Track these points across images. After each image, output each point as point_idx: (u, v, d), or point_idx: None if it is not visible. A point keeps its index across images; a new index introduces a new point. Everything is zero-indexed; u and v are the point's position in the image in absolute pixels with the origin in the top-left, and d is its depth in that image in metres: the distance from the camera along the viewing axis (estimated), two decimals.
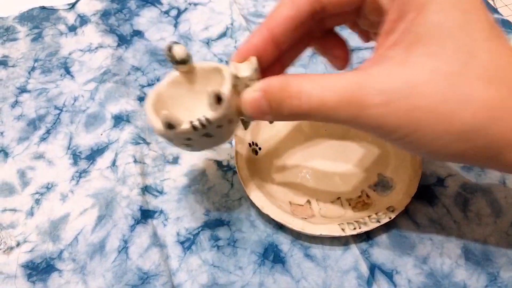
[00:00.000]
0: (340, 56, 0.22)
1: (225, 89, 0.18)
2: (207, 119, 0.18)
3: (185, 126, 0.18)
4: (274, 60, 0.20)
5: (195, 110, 0.21)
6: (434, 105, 0.16)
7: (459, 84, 0.15)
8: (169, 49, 0.19)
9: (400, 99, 0.16)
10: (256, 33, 0.19)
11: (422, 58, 0.16)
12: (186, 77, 0.21)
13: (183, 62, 0.20)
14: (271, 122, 0.27)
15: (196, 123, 0.18)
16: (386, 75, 0.16)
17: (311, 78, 0.17)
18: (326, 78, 0.17)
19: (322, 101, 0.17)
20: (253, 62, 0.19)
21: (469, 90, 0.15)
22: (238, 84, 0.19)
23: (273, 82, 0.18)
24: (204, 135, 0.19)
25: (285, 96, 0.17)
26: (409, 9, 0.16)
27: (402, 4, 0.17)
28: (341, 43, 0.22)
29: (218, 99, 0.18)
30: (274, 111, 0.18)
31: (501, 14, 0.36)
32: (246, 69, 0.18)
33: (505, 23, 0.35)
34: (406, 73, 0.16)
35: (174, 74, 0.21)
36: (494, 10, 0.36)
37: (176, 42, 0.21)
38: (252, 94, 0.18)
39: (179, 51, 0.19)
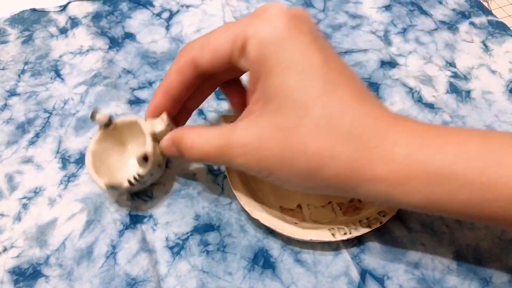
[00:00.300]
0: (236, 103, 0.25)
1: (148, 148, 0.23)
2: (139, 175, 0.23)
3: (125, 184, 0.23)
4: (180, 109, 0.24)
5: (122, 157, 0.26)
6: (276, 155, 0.19)
7: (294, 137, 0.19)
8: (92, 116, 0.24)
9: (253, 151, 0.20)
10: (157, 95, 0.23)
11: (269, 115, 0.19)
12: (110, 132, 0.25)
13: (107, 125, 0.24)
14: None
15: (132, 180, 0.23)
16: (245, 130, 0.20)
17: (199, 132, 0.22)
18: (208, 132, 0.21)
19: (206, 153, 0.21)
20: (164, 118, 0.23)
21: (303, 142, 0.19)
22: (157, 135, 0.23)
23: (175, 135, 0.22)
24: (141, 183, 0.24)
25: (183, 147, 0.22)
26: (261, 73, 0.20)
27: (257, 71, 0.20)
28: (240, 91, 0.25)
29: (145, 158, 0.23)
30: (182, 156, 0.22)
31: (495, 16, 0.36)
32: (160, 124, 0.23)
33: (499, 25, 0.35)
34: (258, 130, 0.20)
35: (99, 132, 0.25)
36: (488, 12, 0.36)
37: (97, 110, 0.24)
38: (165, 143, 0.23)
39: (101, 118, 0.24)
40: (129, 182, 0.23)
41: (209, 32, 0.22)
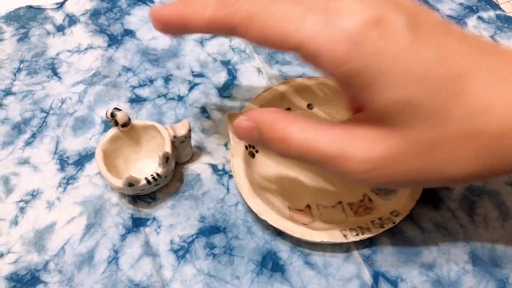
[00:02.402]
0: (351, 107, 0.23)
1: (168, 149, 0.24)
2: (158, 174, 0.23)
3: (143, 182, 0.23)
4: None
5: (129, 159, 0.26)
6: (416, 168, 0.17)
7: (438, 147, 0.16)
8: (112, 115, 0.24)
9: (381, 169, 0.17)
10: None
11: (398, 128, 0.17)
12: (124, 133, 0.25)
13: (125, 125, 0.24)
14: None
15: (150, 178, 0.23)
16: (368, 141, 0.17)
17: (299, 125, 0.18)
18: (314, 129, 0.18)
19: (306, 154, 0.18)
20: (186, 124, 0.24)
21: (450, 149, 0.16)
22: (176, 140, 0.24)
23: (265, 117, 0.19)
24: (154, 185, 0.24)
25: (273, 136, 0.18)
26: (355, 88, 0.17)
27: (347, 84, 0.17)
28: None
29: (166, 158, 0.23)
30: (264, 144, 0.19)
31: (503, 11, 0.35)
32: (182, 129, 0.24)
33: (507, 20, 0.34)
34: (388, 143, 0.17)
35: (113, 132, 0.25)
36: (497, 6, 0.35)
37: (117, 109, 0.24)
38: (245, 123, 0.19)
39: (121, 118, 0.24)
40: (147, 180, 0.23)
41: None
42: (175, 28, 0.20)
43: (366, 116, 0.18)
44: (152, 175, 0.23)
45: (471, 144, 0.16)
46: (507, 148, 0.16)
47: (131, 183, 0.22)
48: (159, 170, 0.23)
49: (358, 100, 0.18)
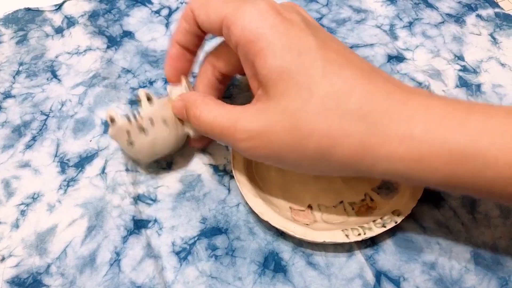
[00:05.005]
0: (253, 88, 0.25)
1: (141, 92, 0.23)
2: (138, 112, 0.23)
3: (123, 118, 0.23)
4: (213, 84, 0.25)
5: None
6: (284, 138, 0.19)
7: (302, 119, 0.18)
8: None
9: (259, 136, 0.19)
10: (171, 46, 0.24)
11: (274, 99, 0.19)
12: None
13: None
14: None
15: (130, 115, 0.23)
16: (252, 115, 0.20)
17: (210, 105, 0.22)
18: (218, 108, 0.21)
19: (210, 129, 0.21)
20: (183, 84, 0.24)
21: (311, 123, 0.18)
22: (173, 96, 0.24)
23: (189, 99, 0.23)
24: (140, 130, 0.23)
25: (191, 114, 0.22)
26: (251, 55, 0.20)
27: (246, 53, 0.20)
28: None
29: (148, 98, 0.23)
30: (188, 120, 0.23)
31: (502, 9, 0.35)
32: (179, 90, 0.24)
33: (506, 17, 0.34)
34: (264, 114, 0.19)
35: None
36: (495, 4, 0.35)
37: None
38: (178, 103, 0.23)
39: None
40: (127, 117, 0.23)
41: None
42: (178, 58, 0.25)
43: (260, 93, 0.20)
44: (134, 114, 0.23)
45: (327, 121, 0.18)
46: (360, 133, 0.18)
47: (112, 118, 0.23)
48: (140, 110, 0.23)
49: (252, 75, 0.21)
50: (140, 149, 0.24)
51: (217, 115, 0.21)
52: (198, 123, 0.22)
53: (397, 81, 0.20)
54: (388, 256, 0.23)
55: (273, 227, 0.23)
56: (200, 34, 0.24)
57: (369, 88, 0.18)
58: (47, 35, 0.34)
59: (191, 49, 0.25)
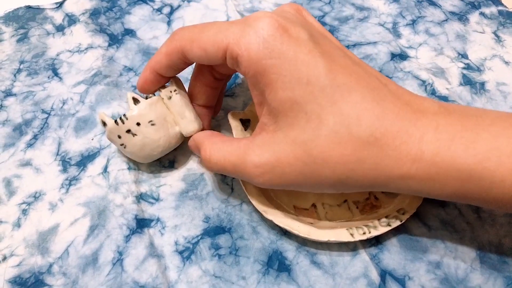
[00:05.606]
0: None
1: (137, 96, 0.24)
2: (124, 115, 0.23)
3: (111, 121, 0.23)
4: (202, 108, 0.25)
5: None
6: (299, 169, 0.19)
7: (315, 149, 0.19)
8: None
9: (273, 170, 0.19)
10: (147, 70, 0.23)
11: (284, 130, 0.19)
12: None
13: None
14: None
15: (117, 118, 0.23)
16: (261, 148, 0.20)
17: (217, 144, 0.21)
18: (226, 146, 0.21)
19: (223, 168, 0.21)
20: (171, 82, 0.24)
21: (324, 152, 0.18)
22: (162, 96, 0.24)
23: (198, 141, 0.23)
24: (128, 132, 0.23)
25: (202, 157, 0.22)
26: (262, 86, 0.19)
27: (256, 83, 0.20)
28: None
29: (135, 100, 0.24)
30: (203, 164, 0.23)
31: (505, 7, 0.35)
32: (167, 90, 0.24)
33: (510, 15, 0.34)
34: (275, 147, 0.19)
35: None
36: (498, 2, 0.35)
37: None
38: (191, 143, 0.24)
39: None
40: (115, 121, 0.23)
41: (202, 24, 0.21)
42: (153, 83, 0.24)
43: (266, 121, 0.20)
44: (120, 117, 0.23)
45: (340, 149, 0.18)
46: (373, 157, 0.18)
47: (103, 122, 0.23)
48: (128, 112, 0.23)
49: (259, 103, 0.21)
50: (132, 150, 0.24)
51: (225, 154, 0.21)
52: (211, 166, 0.22)
53: (406, 93, 0.20)
54: (393, 255, 0.23)
55: (277, 226, 0.23)
56: (185, 66, 0.23)
57: (378, 113, 0.18)
58: (48, 33, 0.33)
59: (170, 76, 0.24)
